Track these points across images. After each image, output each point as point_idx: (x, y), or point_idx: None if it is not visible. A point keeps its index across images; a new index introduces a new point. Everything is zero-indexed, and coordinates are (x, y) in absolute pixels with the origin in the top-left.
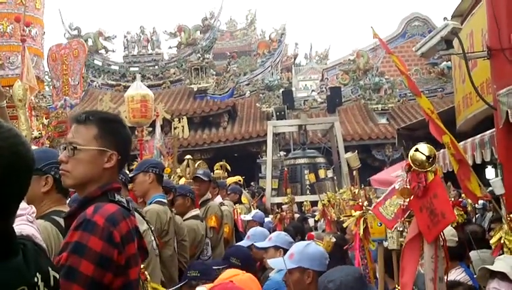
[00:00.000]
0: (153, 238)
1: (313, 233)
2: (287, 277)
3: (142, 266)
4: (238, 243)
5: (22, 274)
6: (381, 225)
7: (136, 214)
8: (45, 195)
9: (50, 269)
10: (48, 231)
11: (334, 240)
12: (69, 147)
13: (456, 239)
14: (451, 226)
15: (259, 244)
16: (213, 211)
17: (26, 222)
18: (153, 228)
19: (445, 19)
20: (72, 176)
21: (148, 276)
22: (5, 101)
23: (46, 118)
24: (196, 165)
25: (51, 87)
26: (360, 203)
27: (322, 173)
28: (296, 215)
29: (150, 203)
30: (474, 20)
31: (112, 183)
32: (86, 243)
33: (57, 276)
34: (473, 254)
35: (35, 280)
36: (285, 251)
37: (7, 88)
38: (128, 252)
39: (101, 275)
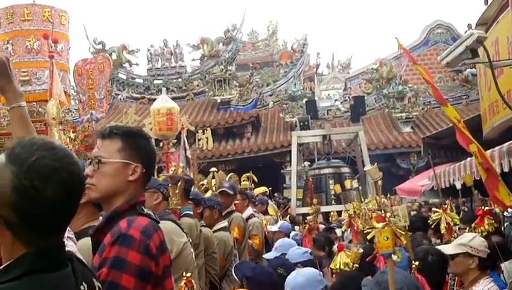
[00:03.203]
0: (192, 250)
1: (342, 243)
2: None
3: (189, 274)
4: (267, 255)
5: (72, 283)
6: (387, 239)
7: (176, 226)
8: (82, 207)
9: (94, 280)
10: None
11: (361, 251)
12: (94, 160)
13: (488, 251)
14: (481, 236)
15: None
16: (236, 222)
17: (66, 239)
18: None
19: (469, 26)
20: (96, 189)
21: (194, 284)
22: (24, 102)
23: (73, 132)
24: (227, 177)
25: (77, 101)
26: (383, 215)
27: (348, 183)
28: (321, 226)
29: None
30: (499, 28)
31: (139, 196)
32: (125, 257)
33: (101, 286)
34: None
35: (82, 288)
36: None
37: (34, 103)
38: (163, 263)
39: (142, 287)
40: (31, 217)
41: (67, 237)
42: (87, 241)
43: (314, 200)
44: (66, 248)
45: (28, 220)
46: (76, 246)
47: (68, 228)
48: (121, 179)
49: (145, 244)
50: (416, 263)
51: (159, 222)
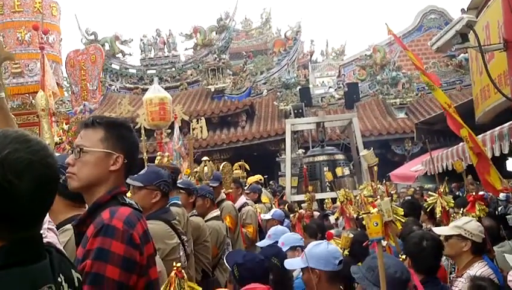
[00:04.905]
0: (182, 253)
1: (332, 231)
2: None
3: (179, 264)
4: (260, 243)
5: (49, 275)
6: (377, 225)
7: (167, 228)
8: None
9: (73, 271)
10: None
11: (351, 236)
12: (76, 149)
13: (483, 236)
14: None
15: (263, 244)
16: (227, 211)
17: (46, 230)
18: (185, 239)
19: (462, 10)
20: (77, 178)
21: (185, 274)
22: (3, 92)
23: (66, 124)
24: (221, 166)
25: (70, 92)
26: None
27: (339, 170)
28: (316, 213)
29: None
30: (489, 12)
31: (120, 186)
32: (109, 248)
33: (80, 277)
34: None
35: (60, 280)
36: (303, 248)
37: (27, 95)
38: (147, 252)
39: (127, 278)
40: (5, 211)
41: (48, 228)
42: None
43: (310, 188)
44: (46, 239)
45: (2, 214)
46: (58, 237)
47: (49, 219)
48: (103, 169)
49: (129, 234)
50: (404, 256)
51: (141, 211)
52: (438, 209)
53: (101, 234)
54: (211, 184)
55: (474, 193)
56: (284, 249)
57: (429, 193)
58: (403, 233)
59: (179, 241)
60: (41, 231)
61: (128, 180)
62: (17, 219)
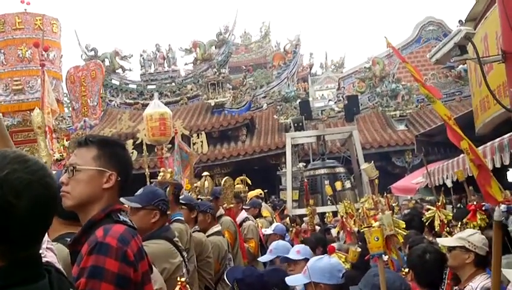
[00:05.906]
0: (185, 270)
1: (334, 245)
2: None
3: (183, 279)
4: (261, 258)
5: None
6: (378, 239)
7: (170, 247)
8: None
9: None
10: (65, 253)
11: (359, 250)
12: (69, 168)
13: (487, 249)
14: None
15: (290, 256)
16: (225, 226)
17: (45, 250)
18: (186, 256)
19: (460, 22)
20: (71, 196)
21: (189, 289)
22: (0, 113)
23: (66, 140)
24: (223, 181)
25: (70, 109)
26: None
27: (338, 184)
28: (318, 227)
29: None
30: (488, 23)
31: (114, 204)
32: (103, 266)
33: None
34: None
35: None
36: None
37: (27, 112)
38: (142, 269)
39: None
40: (4, 231)
41: (47, 247)
42: (58, 246)
43: (312, 201)
44: (45, 259)
45: (2, 234)
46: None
47: (48, 239)
48: (96, 187)
49: (123, 251)
50: (406, 270)
51: (136, 229)
52: (437, 223)
53: (94, 252)
54: (209, 198)
55: (475, 203)
56: (299, 257)
57: (427, 206)
58: (412, 245)
59: (181, 258)
60: (41, 251)
61: (126, 202)
62: (16, 239)
